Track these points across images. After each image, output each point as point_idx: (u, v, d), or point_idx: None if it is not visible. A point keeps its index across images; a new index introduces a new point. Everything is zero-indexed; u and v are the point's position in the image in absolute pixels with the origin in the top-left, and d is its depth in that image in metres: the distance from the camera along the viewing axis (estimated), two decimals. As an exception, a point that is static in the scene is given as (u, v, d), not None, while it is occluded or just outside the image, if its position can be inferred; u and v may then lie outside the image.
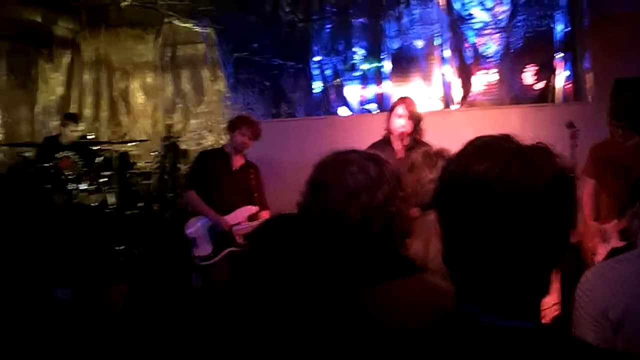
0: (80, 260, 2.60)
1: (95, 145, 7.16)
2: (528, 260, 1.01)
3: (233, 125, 5.25)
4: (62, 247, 2.60)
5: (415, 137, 4.54)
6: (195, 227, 5.11)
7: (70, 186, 6.14)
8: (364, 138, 4.59)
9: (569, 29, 6.98)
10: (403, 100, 4.69)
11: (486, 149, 1.05)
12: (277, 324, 1.53)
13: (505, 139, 1.07)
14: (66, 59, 8.54)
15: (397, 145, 4.57)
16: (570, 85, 7.01)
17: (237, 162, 5.27)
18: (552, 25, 7.04)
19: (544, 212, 1.00)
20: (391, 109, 4.67)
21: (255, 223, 4.99)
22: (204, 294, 4.88)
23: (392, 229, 1.56)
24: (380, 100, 7.46)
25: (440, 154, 2.78)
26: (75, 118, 6.94)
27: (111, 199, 6.50)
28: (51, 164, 6.32)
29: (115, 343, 2.58)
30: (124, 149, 7.50)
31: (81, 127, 6.90)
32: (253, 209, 5.18)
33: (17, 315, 2.34)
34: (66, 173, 6.21)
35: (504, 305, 1.02)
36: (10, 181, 5.99)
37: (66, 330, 2.36)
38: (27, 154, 6.72)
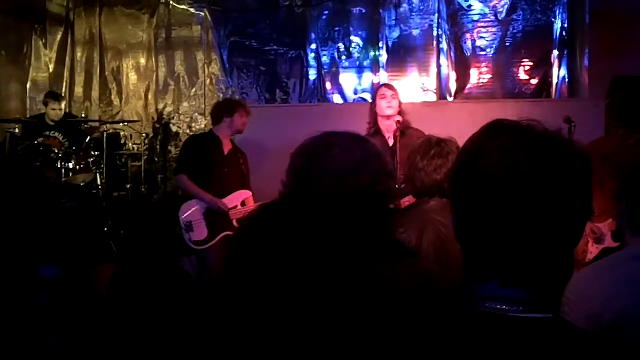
0: (67, 239, 2.53)
1: (85, 124, 7.07)
2: (550, 237, 0.99)
3: (231, 109, 5.21)
4: (50, 225, 2.53)
5: (402, 123, 4.48)
6: (190, 211, 5.03)
7: (59, 165, 6.06)
8: (358, 126, 4.55)
9: (569, 25, 6.96)
10: (384, 85, 4.74)
11: (503, 127, 1.05)
12: (274, 310, 1.48)
13: (521, 121, 1.05)
14: (59, 36, 8.41)
15: (388, 133, 4.55)
16: (567, 81, 6.99)
17: (227, 146, 5.23)
18: (551, 21, 7.01)
19: (564, 186, 0.98)
20: (374, 96, 4.69)
21: (248, 208, 4.98)
22: (199, 279, 4.83)
23: (381, 208, 1.53)
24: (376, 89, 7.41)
25: (439, 143, 2.73)
26: (56, 96, 6.86)
27: (99, 180, 6.43)
28: (39, 140, 6.24)
29: (100, 325, 2.52)
30: (114, 129, 7.40)
31: (63, 105, 6.80)
32: (248, 193, 5.17)
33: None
34: (54, 149, 6.13)
35: (524, 283, 1.00)
36: (5, 158, 5.90)
37: (49, 308, 2.29)
38: (14, 131, 6.61)
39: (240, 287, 1.78)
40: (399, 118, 4.44)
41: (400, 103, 4.58)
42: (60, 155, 6.09)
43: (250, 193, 5.18)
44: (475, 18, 7.19)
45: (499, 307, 1.00)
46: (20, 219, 2.40)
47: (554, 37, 7.01)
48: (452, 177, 1.10)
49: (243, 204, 5.11)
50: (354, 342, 1.09)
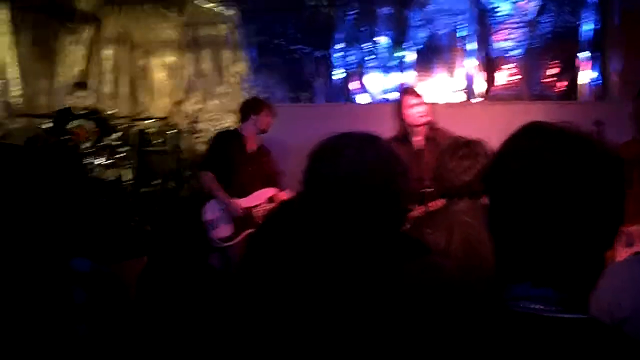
0: (97, 233, 2.58)
1: (113, 120, 7.15)
2: (583, 238, 1.00)
3: (257, 108, 5.26)
4: (82, 219, 2.57)
5: (430, 124, 4.45)
6: (215, 208, 5.07)
7: (88, 160, 6.13)
8: (383, 126, 4.54)
9: (598, 27, 6.88)
10: (405, 91, 4.66)
11: (539, 128, 1.06)
12: (289, 309, 1.49)
13: (556, 123, 1.07)
14: (88, 33, 8.50)
15: (417, 136, 4.51)
16: (597, 84, 6.92)
17: (252, 145, 5.26)
18: (580, 23, 6.94)
19: (597, 187, 0.99)
20: (399, 106, 4.58)
21: (273, 205, 4.99)
22: (222, 275, 4.86)
23: (396, 208, 1.54)
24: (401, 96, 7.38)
25: (467, 144, 2.73)
26: (82, 85, 6.96)
27: (127, 175, 6.49)
28: (67, 136, 6.31)
29: (130, 319, 2.55)
30: (141, 125, 7.47)
31: (89, 93, 6.89)
32: (273, 190, 5.19)
33: (32, 283, 2.31)
34: (82, 144, 6.20)
35: (557, 284, 1.01)
36: (36, 151, 5.97)
37: (82, 303, 2.32)
38: (44, 126, 6.70)
39: (256, 283, 1.81)
40: (428, 118, 4.41)
41: (427, 104, 4.54)
42: (89, 151, 6.15)
43: (277, 190, 5.20)
44: (503, 19, 7.15)
45: (533, 306, 1.01)
46: (57, 212, 2.44)
47: (583, 39, 6.93)
48: (485, 177, 1.11)
49: (271, 200, 5.12)
50: (383, 343, 1.10)
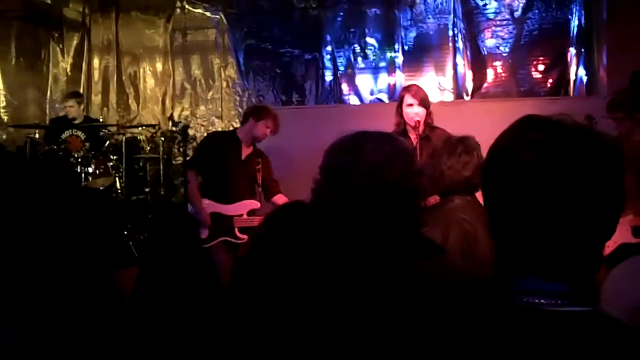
0: (92, 244, 2.55)
1: (104, 129, 7.12)
2: (587, 229, 0.99)
3: (259, 115, 5.11)
4: (74, 228, 2.55)
5: (428, 123, 4.48)
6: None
7: (79, 169, 6.10)
8: (375, 127, 4.51)
9: (586, 22, 6.91)
10: (408, 89, 4.64)
11: (535, 121, 1.05)
12: (301, 312, 1.48)
13: (552, 116, 1.06)
14: (76, 42, 8.48)
15: (413, 135, 4.51)
16: (586, 79, 6.94)
17: (246, 150, 5.16)
18: (568, 18, 6.96)
19: (600, 177, 0.98)
20: (399, 102, 4.59)
21: (256, 219, 4.84)
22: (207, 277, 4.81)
23: (411, 204, 1.55)
24: (392, 90, 7.40)
25: (462, 141, 2.75)
26: (76, 94, 6.97)
27: (118, 183, 6.46)
28: (59, 146, 6.29)
29: (124, 326, 2.53)
30: (132, 133, 7.45)
31: (81, 101, 6.90)
32: (256, 204, 5.07)
33: (39, 301, 2.29)
34: (74, 154, 6.17)
35: (565, 277, 1.00)
36: (27, 162, 5.94)
37: (79, 313, 2.30)
38: (34, 136, 6.67)
39: (266, 282, 1.79)
40: (420, 120, 4.41)
41: (427, 104, 4.52)
42: (79, 160, 6.12)
43: (258, 204, 5.06)
44: (491, 16, 7.17)
45: (537, 301, 0.99)
46: (49, 222, 2.42)
47: (571, 35, 6.96)
48: (484, 173, 1.09)
49: (250, 213, 5.01)
50: (395, 340, 1.09)
